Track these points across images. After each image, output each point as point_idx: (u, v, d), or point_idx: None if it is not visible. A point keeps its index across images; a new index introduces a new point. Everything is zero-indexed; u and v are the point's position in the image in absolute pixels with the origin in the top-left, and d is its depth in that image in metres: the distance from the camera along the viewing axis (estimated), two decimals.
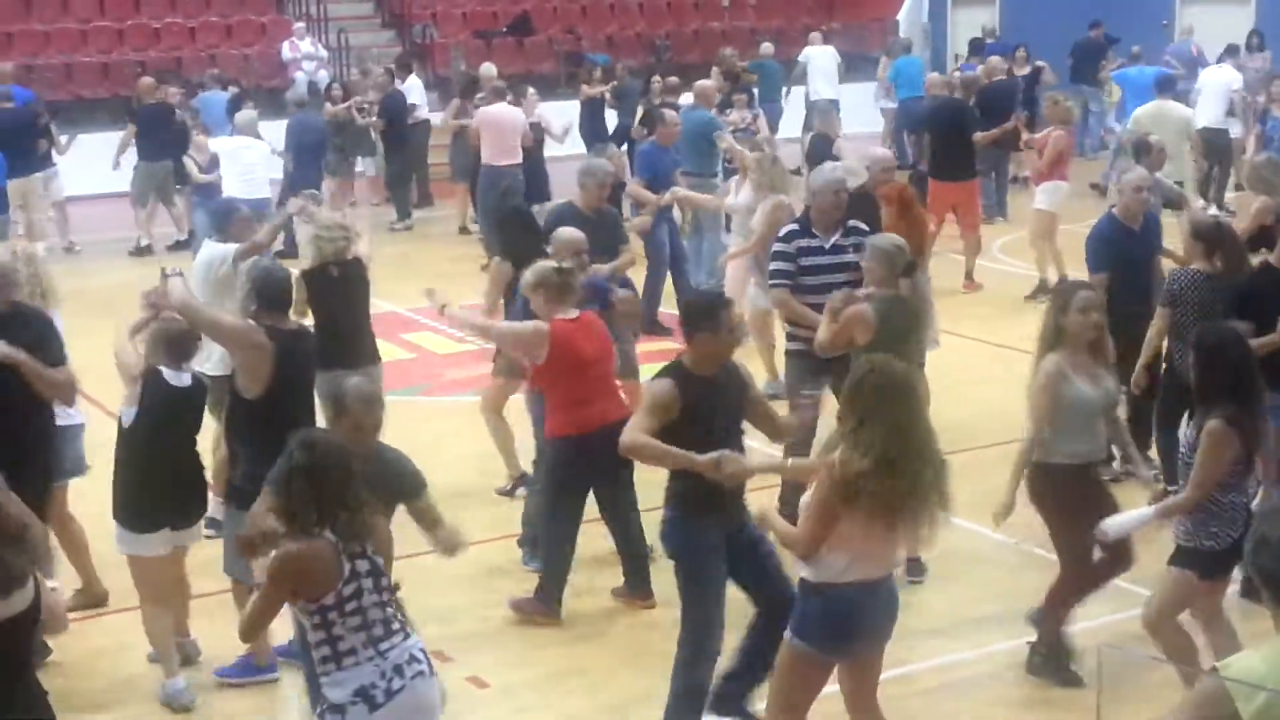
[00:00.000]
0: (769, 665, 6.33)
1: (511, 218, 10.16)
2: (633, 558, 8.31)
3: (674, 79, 19.63)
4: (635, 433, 6.59)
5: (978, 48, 23.46)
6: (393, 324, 14.18)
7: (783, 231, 9.38)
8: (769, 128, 18.87)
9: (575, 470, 8.03)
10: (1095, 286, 8.13)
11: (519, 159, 17.35)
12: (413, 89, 21.05)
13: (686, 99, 17.20)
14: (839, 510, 5.63)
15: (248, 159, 15.83)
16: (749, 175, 12.28)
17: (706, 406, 6.57)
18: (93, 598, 8.42)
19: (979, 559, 8.68)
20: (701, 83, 17.05)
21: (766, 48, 23.58)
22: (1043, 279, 14.61)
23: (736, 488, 6.61)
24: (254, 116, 16.88)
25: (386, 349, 13.09)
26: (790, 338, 9.28)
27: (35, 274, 8.22)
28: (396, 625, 5.36)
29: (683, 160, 14.91)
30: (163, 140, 18.07)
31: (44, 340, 7.57)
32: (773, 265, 9.25)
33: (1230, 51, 21.20)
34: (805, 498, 5.87)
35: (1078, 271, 10.95)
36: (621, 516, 8.25)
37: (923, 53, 26.56)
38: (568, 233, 9.15)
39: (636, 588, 8.27)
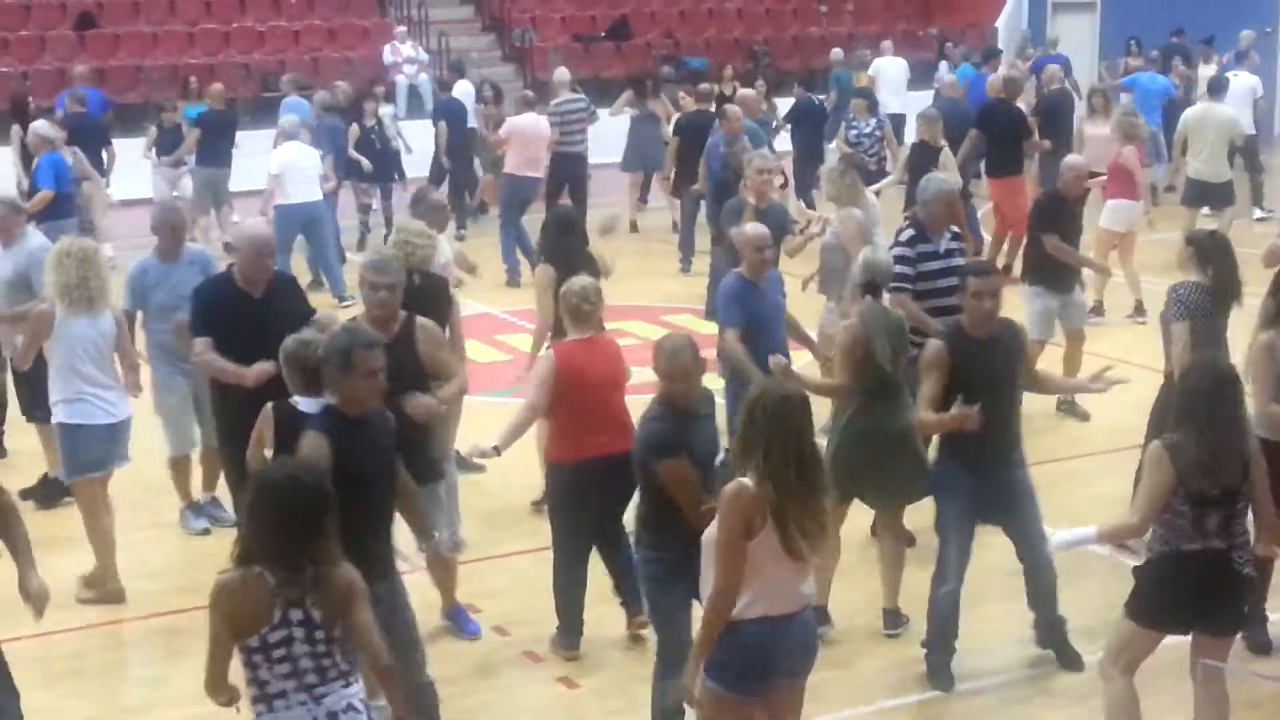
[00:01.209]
0: None
1: (553, 221, 10.08)
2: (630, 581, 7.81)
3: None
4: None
5: (989, 55, 23.41)
6: (488, 326, 14.33)
7: (904, 235, 9.40)
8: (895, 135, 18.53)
9: (571, 498, 7.65)
10: None
11: (541, 171, 17.39)
12: (465, 95, 20.98)
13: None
14: (742, 544, 5.38)
15: (302, 164, 15.75)
16: (823, 188, 12.30)
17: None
18: (110, 594, 8.66)
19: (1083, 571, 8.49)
20: (744, 91, 17.03)
21: (836, 54, 23.47)
22: (1099, 300, 14.24)
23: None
24: (298, 121, 16.93)
25: (482, 351, 13.31)
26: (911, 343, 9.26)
27: (86, 276, 8.35)
28: (335, 674, 5.09)
29: None
30: (223, 147, 18.31)
31: None
32: (897, 269, 9.02)
33: (1240, 58, 21.66)
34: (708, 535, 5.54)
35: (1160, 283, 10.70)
36: (611, 548, 7.89)
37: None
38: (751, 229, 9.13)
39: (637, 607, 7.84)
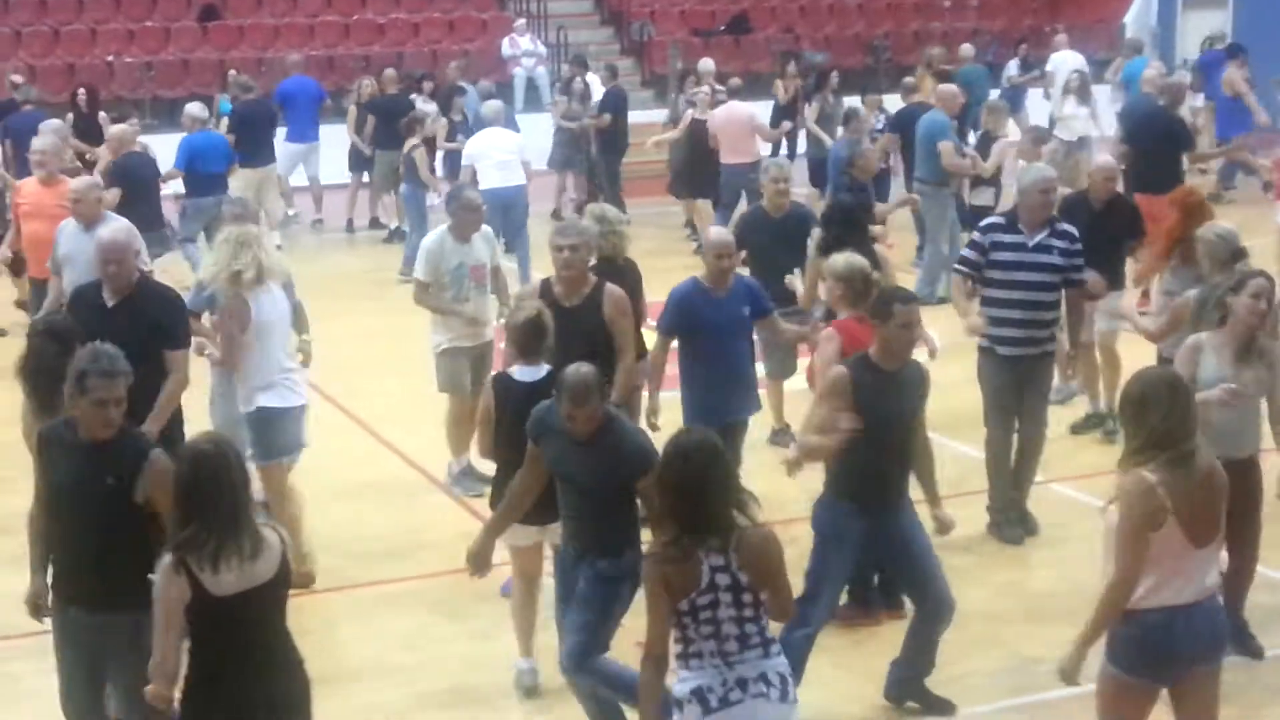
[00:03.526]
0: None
1: (836, 211, 9.98)
2: None
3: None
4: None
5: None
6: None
7: (985, 222, 9.28)
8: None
9: None
10: None
11: (753, 157, 17.22)
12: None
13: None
14: (1145, 536, 5.34)
15: (501, 149, 15.87)
16: None
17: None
18: (301, 578, 8.56)
19: None
20: (944, 86, 16.74)
21: (966, 49, 23.03)
22: None
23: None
24: (501, 106, 17.11)
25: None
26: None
27: (253, 259, 8.30)
28: (756, 641, 5.31)
29: (918, 166, 14.78)
30: (396, 130, 18.39)
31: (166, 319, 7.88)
32: (963, 252, 9.17)
33: None
34: None
35: None
36: None
37: (1151, 57, 25.79)
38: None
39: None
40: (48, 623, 6.03)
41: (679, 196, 18.84)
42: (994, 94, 19.95)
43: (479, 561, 6.73)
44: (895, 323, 6.80)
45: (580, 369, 6.21)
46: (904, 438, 6.92)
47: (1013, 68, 23.59)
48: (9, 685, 7.60)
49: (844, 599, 7.77)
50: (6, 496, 10.06)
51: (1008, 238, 8.92)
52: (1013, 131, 16.94)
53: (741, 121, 17.58)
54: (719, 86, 18.93)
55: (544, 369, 6.98)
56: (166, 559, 5.13)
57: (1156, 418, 5.35)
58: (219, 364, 8.80)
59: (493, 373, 7.43)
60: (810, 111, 19.65)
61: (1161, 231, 9.86)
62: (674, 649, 5.34)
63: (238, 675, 5.17)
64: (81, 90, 18.62)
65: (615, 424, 6.28)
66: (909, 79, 19.39)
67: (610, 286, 8.40)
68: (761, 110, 19.44)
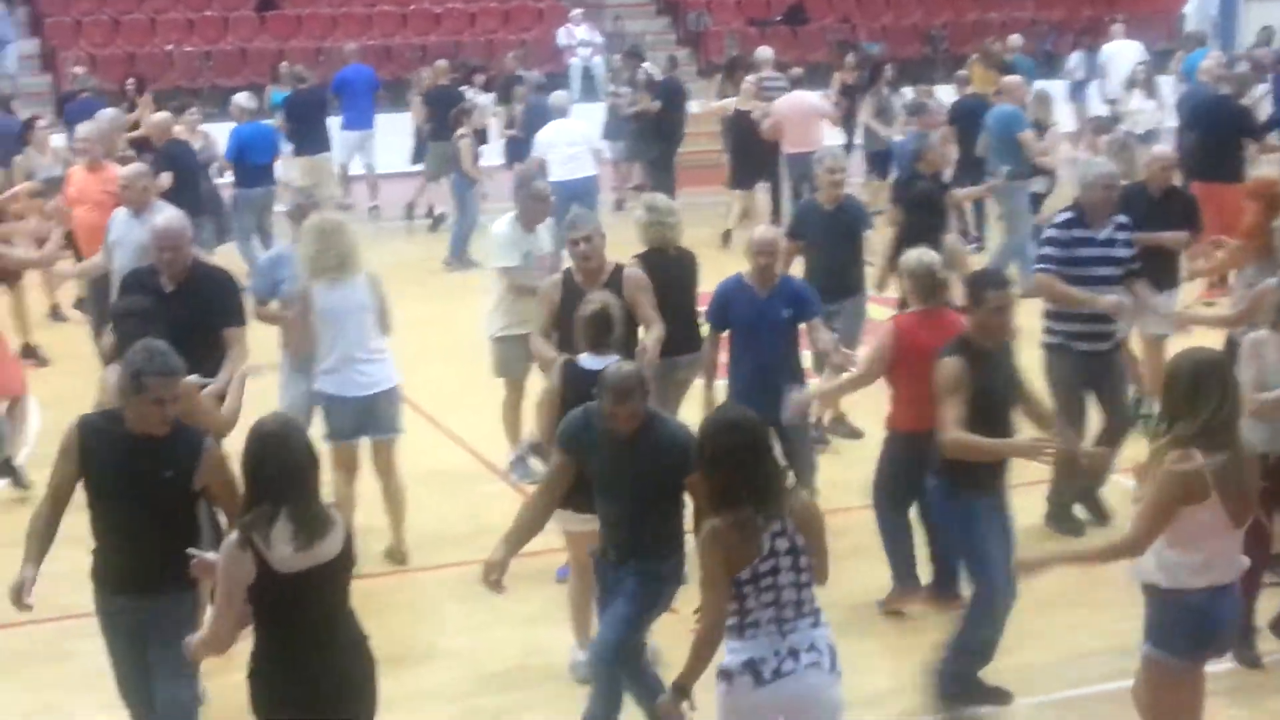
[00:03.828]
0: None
1: (912, 199, 10.00)
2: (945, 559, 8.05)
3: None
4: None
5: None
6: None
7: (1060, 218, 9.14)
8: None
9: (903, 464, 7.89)
10: None
11: (814, 146, 17.19)
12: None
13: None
14: (1173, 512, 5.46)
15: (569, 140, 15.94)
16: None
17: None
18: (399, 556, 8.80)
19: None
20: (1010, 78, 16.66)
21: (1015, 40, 22.87)
22: None
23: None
24: (568, 96, 17.17)
25: None
26: (1049, 331, 9.02)
27: (330, 248, 8.39)
28: (808, 610, 5.38)
29: (992, 158, 14.72)
30: (446, 121, 18.45)
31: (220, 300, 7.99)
32: (1042, 250, 9.04)
33: None
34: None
35: None
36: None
37: (1212, 47, 25.57)
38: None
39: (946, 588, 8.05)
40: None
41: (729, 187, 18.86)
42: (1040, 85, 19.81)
43: (494, 571, 6.47)
44: (988, 307, 6.90)
45: (621, 367, 6.23)
46: (1009, 418, 6.98)
47: (1074, 60, 23.44)
48: (67, 664, 7.71)
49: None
50: None
51: (1080, 233, 8.88)
52: (1063, 121, 16.86)
53: (806, 110, 17.60)
54: (774, 74, 18.86)
55: (613, 359, 6.99)
56: (233, 536, 5.18)
57: (1210, 407, 5.39)
58: (286, 346, 8.89)
59: (561, 358, 7.43)
60: (866, 105, 19.58)
61: (1235, 222, 9.76)
62: (728, 620, 5.35)
63: (303, 653, 5.21)
64: (131, 80, 18.81)
65: (656, 420, 6.23)
66: (962, 71, 19.31)
67: (628, 269, 8.52)
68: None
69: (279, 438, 5.21)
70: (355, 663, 5.38)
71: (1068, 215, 9.07)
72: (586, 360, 7.11)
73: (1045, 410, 7.26)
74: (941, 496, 7.02)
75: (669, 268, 8.95)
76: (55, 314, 14.34)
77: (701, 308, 8.94)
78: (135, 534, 5.79)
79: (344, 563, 5.30)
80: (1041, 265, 8.99)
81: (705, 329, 8.81)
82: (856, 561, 8.44)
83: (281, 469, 5.16)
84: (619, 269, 8.47)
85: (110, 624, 6.05)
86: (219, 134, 16.86)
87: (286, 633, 5.21)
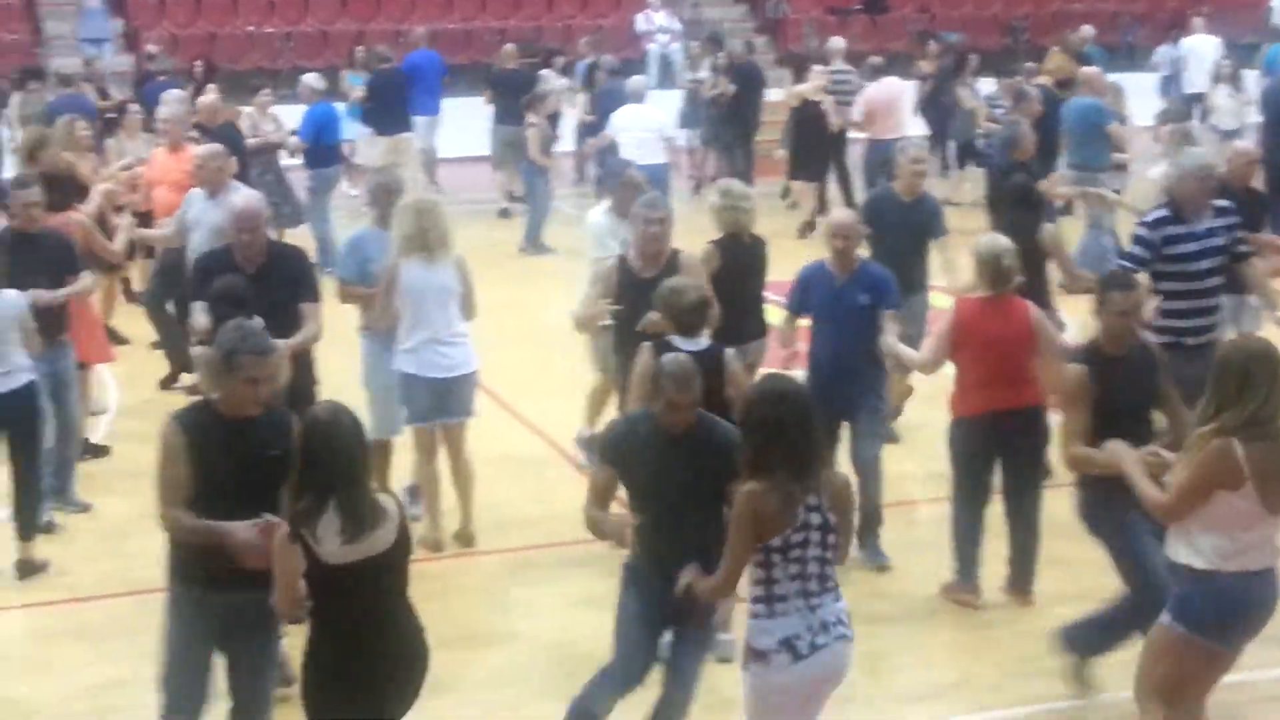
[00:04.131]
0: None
1: (1010, 193, 9.94)
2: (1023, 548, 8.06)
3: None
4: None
5: None
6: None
7: (1151, 217, 8.94)
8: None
9: (972, 450, 7.94)
10: None
11: (902, 133, 17.12)
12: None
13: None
14: (1206, 493, 5.51)
15: (642, 126, 15.96)
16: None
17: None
18: (465, 538, 8.84)
19: None
20: (1089, 69, 16.48)
21: (1088, 31, 22.56)
22: None
23: None
24: (644, 82, 17.17)
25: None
26: (1160, 330, 8.83)
27: (425, 227, 8.42)
28: (831, 584, 5.43)
29: (1072, 151, 14.64)
30: (515, 106, 18.49)
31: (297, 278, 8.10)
32: (1130, 249, 8.84)
33: None
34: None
35: None
36: (1014, 507, 8.03)
37: None
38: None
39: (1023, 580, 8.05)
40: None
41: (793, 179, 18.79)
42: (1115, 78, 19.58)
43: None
44: (1113, 310, 6.83)
45: (678, 357, 6.17)
46: (1140, 425, 6.77)
47: (1162, 53, 23.15)
48: (140, 639, 7.76)
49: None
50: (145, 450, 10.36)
51: (1176, 229, 8.69)
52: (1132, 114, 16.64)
53: (894, 97, 17.61)
54: (845, 67, 18.71)
55: (704, 342, 7.10)
56: (283, 529, 5.18)
57: (1259, 398, 5.46)
58: (365, 328, 8.94)
59: (648, 343, 7.39)
60: (966, 92, 19.38)
61: None
62: (752, 592, 5.39)
63: (355, 645, 5.21)
64: (199, 62, 18.99)
65: (705, 420, 6.08)
66: (1031, 64, 19.11)
67: (685, 253, 8.51)
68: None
69: (330, 427, 5.19)
70: (408, 655, 5.35)
71: (1160, 213, 8.82)
72: (681, 342, 7.11)
73: (1184, 416, 6.80)
74: (1091, 507, 6.86)
75: (742, 254, 8.95)
76: (128, 294, 14.42)
77: (777, 296, 8.92)
78: (240, 520, 5.57)
79: (398, 555, 5.27)
80: (1127, 265, 8.72)
81: (778, 315, 8.80)
82: (922, 554, 8.44)
83: (331, 459, 5.14)
84: (676, 254, 8.46)
85: (191, 619, 5.87)
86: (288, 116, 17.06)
87: (339, 624, 5.21)
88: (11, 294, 8.44)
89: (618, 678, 6.22)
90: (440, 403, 8.64)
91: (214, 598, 5.75)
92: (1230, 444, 5.45)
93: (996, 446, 7.90)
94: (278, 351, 5.92)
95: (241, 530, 5.46)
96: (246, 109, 16.10)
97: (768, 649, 5.34)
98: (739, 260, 8.87)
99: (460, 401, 8.71)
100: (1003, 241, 8.01)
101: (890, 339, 8.35)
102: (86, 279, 9.22)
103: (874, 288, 8.46)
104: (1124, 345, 6.84)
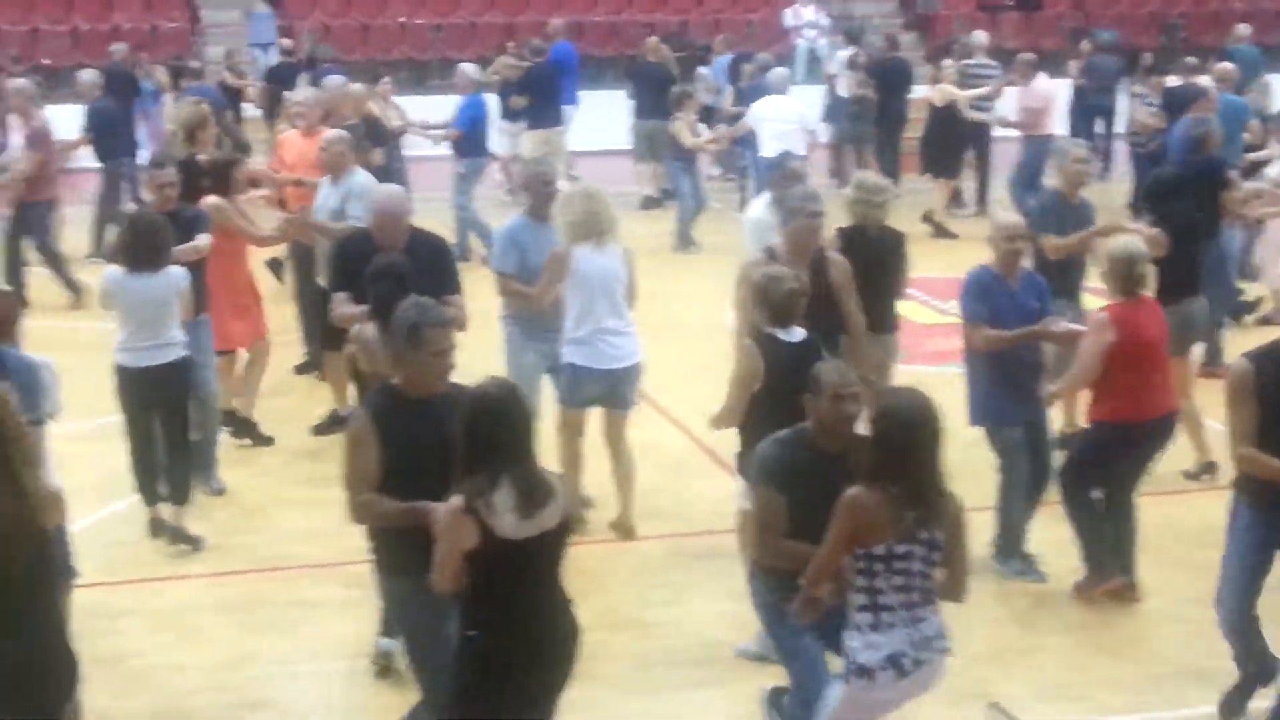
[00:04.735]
0: None
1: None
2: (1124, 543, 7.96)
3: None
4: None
5: None
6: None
7: None
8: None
9: (1106, 455, 7.82)
10: None
11: (1050, 130, 17.12)
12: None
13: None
14: None
15: (781, 116, 15.92)
16: None
17: None
18: (625, 528, 8.81)
19: None
20: (1222, 65, 16.10)
21: (1243, 29, 21.97)
22: None
23: None
24: (785, 73, 17.15)
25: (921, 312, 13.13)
26: None
27: (594, 212, 8.42)
28: (931, 599, 5.41)
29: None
30: (656, 100, 18.46)
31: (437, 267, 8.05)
32: None
33: None
34: None
35: None
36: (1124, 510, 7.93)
37: None
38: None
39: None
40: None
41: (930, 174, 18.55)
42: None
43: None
44: None
45: (829, 362, 6.11)
46: None
47: None
48: (269, 612, 8.06)
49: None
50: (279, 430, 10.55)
51: None
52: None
53: (1049, 95, 17.47)
54: (986, 61, 18.47)
55: (800, 333, 7.01)
56: (457, 501, 5.15)
57: None
58: (508, 315, 8.97)
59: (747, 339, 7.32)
60: (1153, 85, 19.01)
61: None
62: (856, 600, 5.35)
63: (517, 619, 5.21)
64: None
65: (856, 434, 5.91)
66: (1191, 59, 18.66)
67: (832, 253, 8.35)
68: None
69: (504, 405, 5.20)
70: (563, 630, 5.37)
71: None
72: (781, 334, 7.04)
73: None
74: (1243, 517, 6.51)
75: (867, 246, 8.82)
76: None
77: (923, 294, 8.80)
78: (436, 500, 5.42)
79: (563, 533, 5.30)
80: None
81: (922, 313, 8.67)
82: (1062, 554, 8.32)
83: (506, 436, 5.15)
84: (821, 252, 8.25)
85: (418, 608, 5.74)
86: (444, 107, 17.23)
87: (503, 599, 5.21)
88: (176, 269, 8.64)
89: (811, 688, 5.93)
90: (606, 394, 8.63)
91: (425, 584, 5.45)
92: None
93: (1132, 451, 7.80)
94: (455, 322, 5.90)
95: (443, 510, 5.26)
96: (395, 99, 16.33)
97: (873, 665, 5.31)
98: (863, 252, 8.71)
99: (626, 393, 8.71)
100: (1135, 246, 7.86)
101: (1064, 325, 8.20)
102: (204, 238, 9.32)
103: (1041, 293, 8.27)
104: None
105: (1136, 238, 8.11)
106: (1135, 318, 7.71)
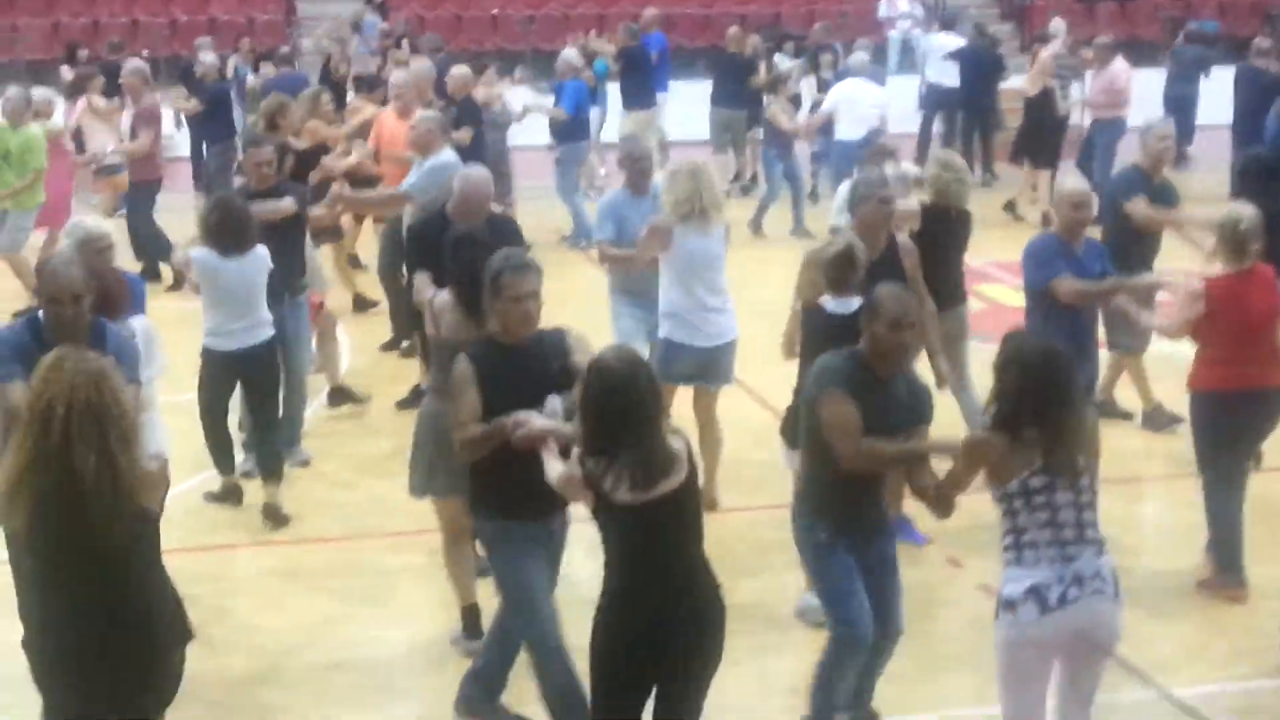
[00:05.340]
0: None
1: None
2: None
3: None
4: None
5: None
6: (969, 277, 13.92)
7: None
8: None
9: (1219, 427, 7.65)
10: None
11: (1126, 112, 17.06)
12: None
13: None
14: None
15: (861, 101, 15.91)
16: None
17: None
18: (709, 501, 8.63)
19: None
20: None
21: None
22: None
23: None
24: (867, 59, 17.18)
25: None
26: None
27: (697, 190, 8.43)
28: (1092, 536, 5.26)
29: None
30: (734, 89, 18.42)
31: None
32: None
33: None
34: None
35: None
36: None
37: None
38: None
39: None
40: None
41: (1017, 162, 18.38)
42: None
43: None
44: None
45: (889, 287, 6.07)
46: None
47: None
48: (353, 580, 8.18)
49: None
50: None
51: None
52: None
53: (1129, 80, 17.40)
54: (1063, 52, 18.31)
55: (855, 301, 6.85)
56: (575, 470, 5.20)
57: None
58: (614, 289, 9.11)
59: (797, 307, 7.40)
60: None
61: None
62: (1004, 541, 5.28)
63: (650, 584, 5.13)
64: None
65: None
66: (1261, 40, 18.36)
67: (901, 238, 8.33)
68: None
69: (626, 378, 5.13)
70: (706, 596, 5.23)
71: None
72: (831, 304, 7.05)
73: None
74: None
75: (948, 225, 8.92)
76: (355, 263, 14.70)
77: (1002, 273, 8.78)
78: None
79: (687, 492, 5.19)
80: None
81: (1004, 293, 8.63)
82: (1143, 531, 8.24)
83: (627, 410, 5.10)
84: (893, 238, 8.20)
85: (530, 553, 6.03)
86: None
87: (632, 564, 5.15)
88: (261, 249, 8.76)
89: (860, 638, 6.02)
90: (701, 370, 8.68)
91: (548, 525, 6.07)
92: None
93: (1243, 424, 7.64)
94: (537, 269, 6.04)
95: (562, 471, 5.41)
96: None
97: (1015, 597, 5.20)
98: (943, 230, 8.79)
99: (722, 369, 8.76)
100: (1240, 210, 7.70)
101: (1127, 304, 8.16)
102: (287, 201, 9.50)
103: (1102, 256, 8.29)
104: None
105: (1246, 205, 7.91)
106: (1236, 290, 7.54)
